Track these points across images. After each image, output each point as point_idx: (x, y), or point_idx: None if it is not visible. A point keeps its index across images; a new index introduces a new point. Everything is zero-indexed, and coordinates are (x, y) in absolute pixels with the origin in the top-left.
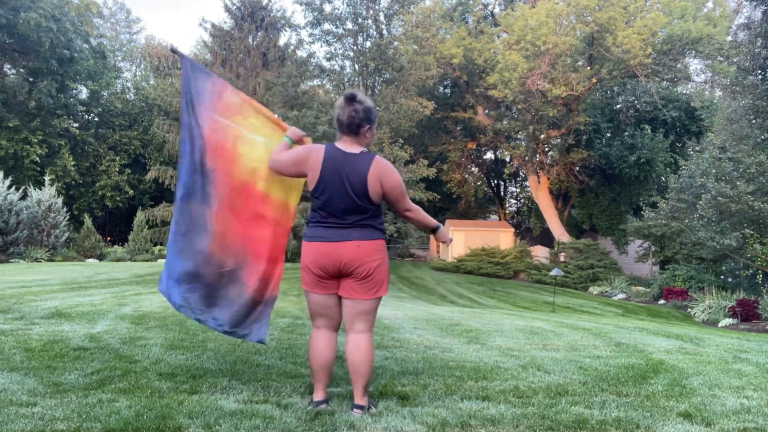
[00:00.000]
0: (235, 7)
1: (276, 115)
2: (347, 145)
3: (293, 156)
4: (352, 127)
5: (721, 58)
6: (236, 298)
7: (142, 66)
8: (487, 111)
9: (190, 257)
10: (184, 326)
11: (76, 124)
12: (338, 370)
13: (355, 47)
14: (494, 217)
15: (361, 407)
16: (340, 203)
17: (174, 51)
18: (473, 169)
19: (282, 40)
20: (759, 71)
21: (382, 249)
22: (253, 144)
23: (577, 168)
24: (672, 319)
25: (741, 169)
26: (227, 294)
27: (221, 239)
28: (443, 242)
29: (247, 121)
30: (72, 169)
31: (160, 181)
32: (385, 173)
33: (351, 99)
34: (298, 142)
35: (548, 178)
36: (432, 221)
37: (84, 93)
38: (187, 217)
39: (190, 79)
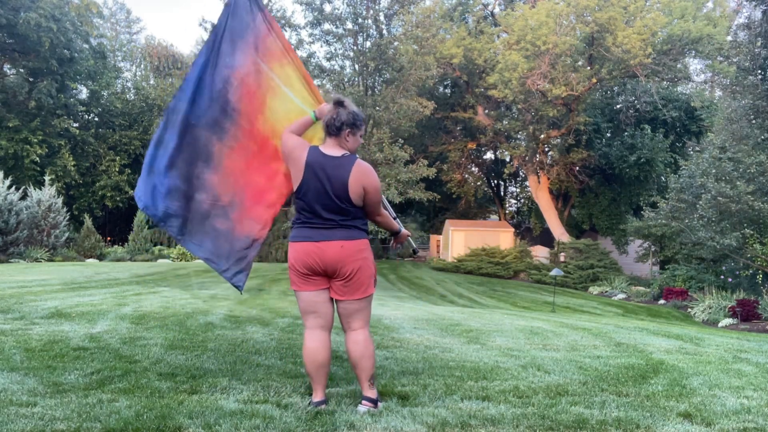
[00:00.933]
0: None
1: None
2: (329, 148)
3: (287, 146)
4: (332, 129)
5: (721, 58)
6: (222, 231)
7: (142, 66)
8: (487, 111)
9: (182, 178)
10: (184, 326)
11: (76, 124)
12: (338, 370)
13: (355, 47)
14: (494, 217)
15: (370, 399)
16: (323, 205)
17: None
18: (473, 169)
19: None
20: (759, 71)
21: (366, 248)
22: (283, 98)
23: (577, 168)
24: (672, 319)
25: (741, 169)
26: (214, 225)
27: (225, 175)
28: (402, 242)
29: (283, 70)
30: (72, 169)
31: None
32: (366, 177)
33: (337, 103)
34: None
35: (548, 178)
36: (395, 225)
37: (84, 93)
38: (189, 139)
39: (240, 7)
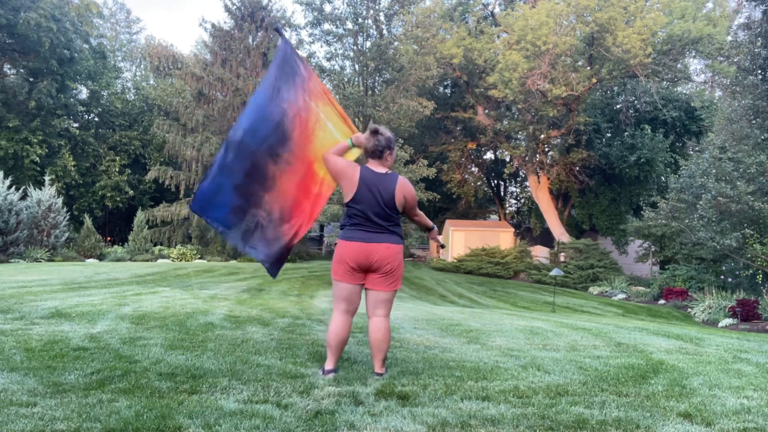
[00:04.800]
0: (235, 7)
1: None
2: (375, 167)
3: (338, 166)
4: (376, 153)
5: (721, 58)
6: (273, 240)
7: (142, 66)
8: (487, 111)
9: (243, 196)
10: (184, 326)
11: (76, 124)
12: (339, 372)
13: (355, 47)
14: (494, 217)
15: (381, 374)
16: (374, 212)
17: (277, 30)
18: (473, 169)
19: None
20: (759, 71)
21: (402, 251)
22: (325, 129)
23: (577, 168)
24: (672, 319)
25: (741, 169)
26: (267, 234)
27: (278, 193)
28: (434, 239)
29: (325, 107)
30: (72, 169)
31: (160, 181)
32: (407, 190)
33: (375, 132)
34: (358, 146)
35: (548, 178)
36: (429, 222)
37: (84, 93)
38: (248, 161)
39: (289, 57)
